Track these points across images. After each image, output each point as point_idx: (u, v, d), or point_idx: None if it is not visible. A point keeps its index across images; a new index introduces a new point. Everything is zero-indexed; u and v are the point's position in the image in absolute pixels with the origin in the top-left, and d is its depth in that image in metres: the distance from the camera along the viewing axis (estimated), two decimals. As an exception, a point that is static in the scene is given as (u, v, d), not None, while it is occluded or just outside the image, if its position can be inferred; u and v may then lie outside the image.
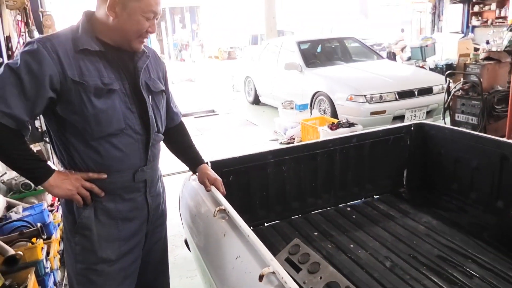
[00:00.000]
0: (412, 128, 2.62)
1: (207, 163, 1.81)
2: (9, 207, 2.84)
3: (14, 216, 2.71)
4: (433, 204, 2.47)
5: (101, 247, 1.49)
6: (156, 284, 1.85)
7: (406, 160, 2.68)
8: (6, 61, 4.17)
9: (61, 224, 3.13)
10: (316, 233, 2.24)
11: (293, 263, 1.85)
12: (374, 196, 2.65)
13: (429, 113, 5.71)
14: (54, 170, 1.41)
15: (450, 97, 5.23)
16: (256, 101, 8.57)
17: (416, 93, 5.62)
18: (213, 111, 8.40)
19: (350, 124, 4.87)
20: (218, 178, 1.73)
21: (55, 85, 1.34)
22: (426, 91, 5.70)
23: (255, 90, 8.49)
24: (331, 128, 4.81)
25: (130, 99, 1.46)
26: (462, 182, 2.39)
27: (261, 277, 1.15)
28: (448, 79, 5.47)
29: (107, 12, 1.37)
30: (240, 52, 18.30)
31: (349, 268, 1.92)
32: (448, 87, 5.34)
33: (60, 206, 3.41)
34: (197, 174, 1.78)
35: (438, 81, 5.86)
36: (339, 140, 2.43)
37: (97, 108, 1.37)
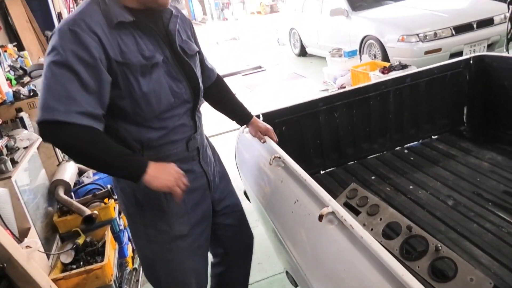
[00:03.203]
0: (471, 61, 2.46)
1: (258, 116, 1.81)
2: (80, 172, 3.06)
3: (86, 180, 2.93)
4: (497, 140, 2.35)
5: (173, 224, 1.44)
6: (248, 242, 1.84)
7: (466, 97, 2.54)
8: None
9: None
10: (373, 177, 2.22)
11: (352, 206, 1.86)
12: (433, 137, 2.56)
13: (490, 47, 5.30)
14: (147, 160, 1.26)
15: (514, 26, 4.80)
16: (303, 52, 8.38)
17: (474, 26, 5.21)
18: (260, 67, 8.34)
19: (403, 66, 4.65)
20: (270, 127, 1.71)
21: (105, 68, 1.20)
22: (486, 22, 5.26)
23: (301, 42, 8.28)
24: (383, 72, 4.62)
25: (174, 68, 1.33)
26: (530, 114, 2.24)
27: (320, 217, 1.18)
28: (510, 6, 4.99)
29: None
30: (282, 4, 17.75)
31: (410, 208, 1.90)
32: (511, 15, 4.89)
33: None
34: (249, 128, 1.75)
35: (499, 10, 5.37)
36: (392, 81, 2.34)
37: (145, 88, 1.25)
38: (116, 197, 2.78)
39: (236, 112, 1.73)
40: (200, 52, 1.54)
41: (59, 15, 4.49)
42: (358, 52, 5.95)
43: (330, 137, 2.32)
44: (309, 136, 2.27)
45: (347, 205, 1.84)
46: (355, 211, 1.80)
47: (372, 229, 1.66)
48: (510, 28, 4.83)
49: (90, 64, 1.16)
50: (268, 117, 2.00)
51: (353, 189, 1.93)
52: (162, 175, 1.25)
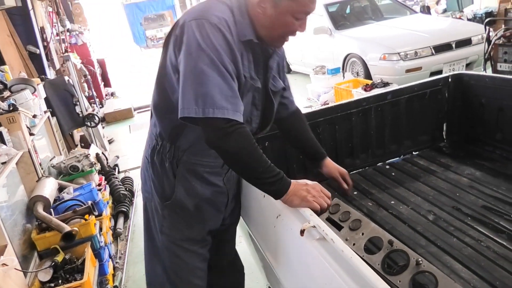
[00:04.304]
0: (449, 79, 2.53)
1: None
2: (61, 188, 3.01)
3: (66, 196, 2.88)
4: (476, 156, 2.40)
5: (187, 227, 1.49)
6: (236, 262, 1.92)
7: (445, 114, 2.60)
8: (42, 52, 4.33)
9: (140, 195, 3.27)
10: (355, 192, 2.24)
11: (334, 222, 1.86)
12: (414, 153, 2.60)
13: (468, 66, 5.47)
14: (290, 180, 1.30)
15: (490, 46, 4.95)
16: (287, 70, 8.48)
17: (453, 45, 5.38)
18: (245, 84, 8.41)
19: (385, 84, 4.75)
20: (345, 170, 1.68)
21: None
22: (464, 42, 5.44)
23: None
24: (365, 90, 4.71)
25: (259, 96, 1.37)
26: (507, 130, 2.30)
27: (302, 232, 1.18)
28: (487, 27, 5.16)
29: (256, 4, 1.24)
30: (267, 23, 18.00)
31: (391, 223, 1.91)
32: (488, 36, 5.05)
33: (107, 185, 3.58)
34: (322, 169, 1.70)
35: (477, 31, 5.57)
36: (373, 98, 2.38)
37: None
38: (96, 213, 2.73)
39: (309, 149, 1.71)
40: (285, 83, 1.56)
41: (42, 30, 4.46)
42: (341, 70, 6.06)
43: (313, 152, 2.33)
44: (291, 151, 2.28)
45: (329, 220, 1.84)
46: (337, 226, 1.80)
47: (354, 244, 1.66)
48: (487, 48, 4.99)
49: (235, 66, 1.20)
50: (251, 132, 2.00)
51: (336, 204, 1.93)
52: (301, 194, 1.28)
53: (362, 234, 1.70)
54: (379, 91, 2.52)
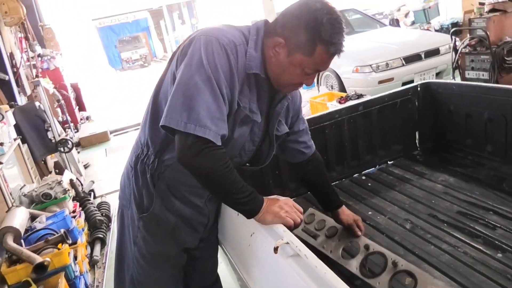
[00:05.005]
0: (418, 88, 2.58)
1: None
2: (32, 218, 2.91)
3: (38, 225, 2.78)
4: (448, 162, 2.44)
5: (162, 242, 1.47)
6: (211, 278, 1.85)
7: (417, 122, 2.64)
8: (12, 78, 4.23)
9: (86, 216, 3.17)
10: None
11: (310, 231, 1.85)
12: (388, 162, 2.62)
13: (438, 75, 5.61)
14: (263, 199, 1.29)
15: (457, 55, 5.11)
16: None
17: (423, 56, 5.51)
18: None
19: (359, 96, 4.80)
20: (358, 216, 1.69)
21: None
22: (433, 52, 5.58)
23: (261, 76, 8.44)
24: (340, 102, 4.75)
25: (258, 133, 1.38)
26: (476, 136, 2.35)
27: (276, 249, 1.16)
28: (454, 37, 5.33)
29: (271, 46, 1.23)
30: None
31: (369, 234, 1.90)
32: (455, 45, 5.21)
33: (82, 212, 3.49)
34: (337, 216, 1.69)
35: (444, 41, 5.73)
36: (345, 110, 2.41)
37: (233, 137, 1.27)
38: (70, 241, 2.65)
39: (325, 197, 1.71)
40: (298, 129, 1.56)
41: (11, 56, 4.38)
42: (316, 84, 6.12)
43: (288, 166, 2.31)
44: (267, 167, 2.26)
45: (305, 231, 1.82)
46: (314, 235, 1.78)
47: (331, 251, 1.65)
48: (455, 57, 5.14)
49: (230, 90, 1.19)
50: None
51: (311, 214, 1.92)
52: (273, 210, 1.26)
53: (339, 240, 1.69)
54: (352, 103, 2.54)
